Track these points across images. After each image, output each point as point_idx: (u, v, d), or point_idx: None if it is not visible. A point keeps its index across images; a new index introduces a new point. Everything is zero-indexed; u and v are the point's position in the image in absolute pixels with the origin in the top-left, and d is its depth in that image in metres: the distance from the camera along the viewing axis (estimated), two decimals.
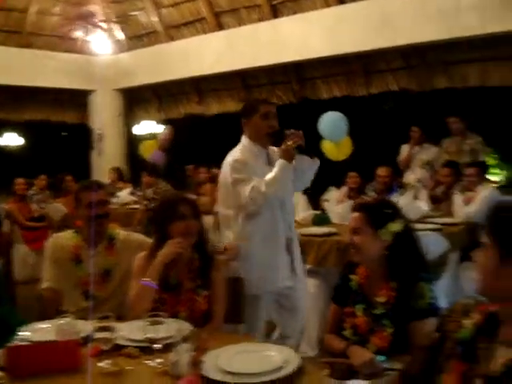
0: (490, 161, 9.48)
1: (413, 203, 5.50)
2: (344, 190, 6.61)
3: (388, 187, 6.34)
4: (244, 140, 3.60)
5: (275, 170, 3.33)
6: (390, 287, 2.32)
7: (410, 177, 7.31)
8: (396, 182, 6.72)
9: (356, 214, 2.43)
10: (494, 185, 6.17)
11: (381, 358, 2.20)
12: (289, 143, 3.32)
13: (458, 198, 5.53)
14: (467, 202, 5.36)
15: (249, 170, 3.41)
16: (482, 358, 1.50)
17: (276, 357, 2.03)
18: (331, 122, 6.96)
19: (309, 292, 4.25)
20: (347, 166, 6.99)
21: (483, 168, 6.03)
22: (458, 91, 8.15)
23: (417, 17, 7.08)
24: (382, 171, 6.25)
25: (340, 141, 7.16)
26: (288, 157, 3.33)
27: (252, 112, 3.54)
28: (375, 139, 10.05)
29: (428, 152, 7.35)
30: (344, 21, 7.81)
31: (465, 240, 5.00)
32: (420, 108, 9.31)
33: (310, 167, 3.58)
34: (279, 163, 3.33)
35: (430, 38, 7.20)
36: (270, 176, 3.33)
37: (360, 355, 2.22)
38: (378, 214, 2.41)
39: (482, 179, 5.43)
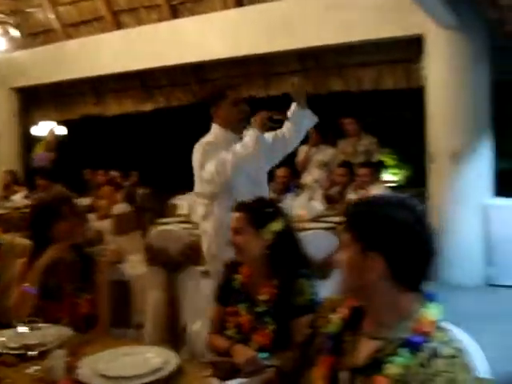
0: (389, 161, 9.86)
1: (308, 203, 5.63)
2: None
3: (286, 187, 6.47)
4: (214, 128, 3.45)
5: (245, 138, 3.17)
6: (272, 285, 2.35)
7: (307, 177, 7.48)
8: (293, 183, 6.86)
9: (237, 214, 2.45)
10: (386, 184, 6.40)
11: (263, 355, 2.23)
12: (262, 113, 3.21)
13: (351, 198, 5.71)
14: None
15: (219, 153, 3.22)
16: (348, 351, 1.55)
17: (155, 359, 2.02)
18: None
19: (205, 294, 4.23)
20: None
21: (376, 168, 6.26)
22: (353, 94, 8.42)
23: (313, 21, 7.25)
24: (280, 172, 6.35)
25: None
26: (260, 125, 3.18)
27: (220, 98, 3.39)
28: None
29: (324, 153, 7.54)
30: (243, 23, 7.88)
31: None
32: (316, 110, 9.51)
33: (307, 119, 3.51)
34: (249, 132, 3.18)
35: (325, 42, 7.40)
36: (238, 145, 3.17)
37: (242, 353, 2.24)
38: (259, 213, 2.44)
39: (374, 179, 5.62)
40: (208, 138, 3.40)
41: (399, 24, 6.73)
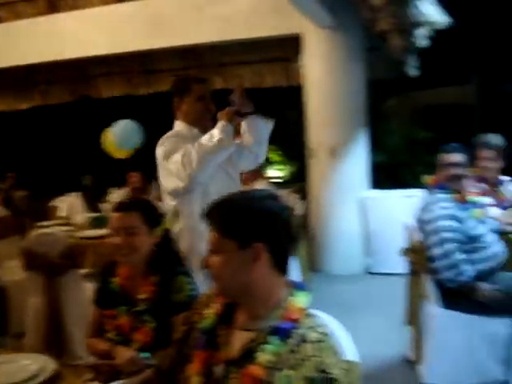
0: (274, 157, 10.03)
1: None
2: (126, 190, 6.57)
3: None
4: (177, 124, 3.14)
5: (213, 131, 2.86)
6: (152, 282, 2.34)
7: None
8: None
9: (127, 214, 2.39)
10: (269, 180, 6.54)
11: (144, 354, 2.22)
12: (230, 108, 2.92)
13: None
14: None
15: (181, 145, 2.92)
16: (222, 345, 1.58)
17: (31, 366, 1.97)
18: (125, 132, 6.95)
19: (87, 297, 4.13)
20: (129, 166, 6.96)
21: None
22: (231, 91, 8.49)
23: (192, 18, 7.24)
24: None
25: (129, 149, 7.18)
26: (227, 118, 2.87)
27: (185, 91, 3.07)
28: (155, 138, 10.07)
29: None
30: (122, 19, 7.71)
31: None
32: None
33: (263, 128, 3.16)
34: (218, 124, 2.86)
35: (204, 40, 7.42)
36: (205, 136, 2.86)
37: (123, 354, 2.22)
38: (152, 212, 2.44)
39: (257, 176, 5.70)
40: (168, 135, 3.09)
41: (278, 23, 6.87)
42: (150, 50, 7.91)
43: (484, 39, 9.42)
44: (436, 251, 3.44)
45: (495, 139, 4.24)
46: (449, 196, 3.58)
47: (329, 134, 6.60)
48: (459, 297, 3.44)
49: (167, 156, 2.91)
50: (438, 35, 5.70)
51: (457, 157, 3.61)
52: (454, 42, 8.60)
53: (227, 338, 1.58)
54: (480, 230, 3.57)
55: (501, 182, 4.33)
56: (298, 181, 7.72)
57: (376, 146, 7.22)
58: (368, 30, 6.00)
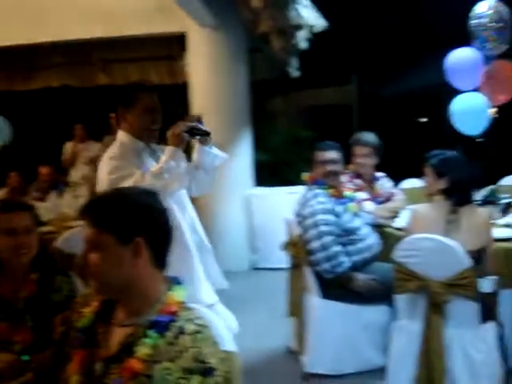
0: None
1: (75, 201, 5.53)
2: (4, 190, 6.32)
3: (51, 185, 6.27)
4: (121, 135, 2.86)
5: (162, 158, 2.68)
6: (32, 280, 2.30)
7: (74, 175, 7.30)
8: (60, 181, 6.66)
9: (20, 213, 2.33)
10: None
11: (25, 357, 2.16)
12: (178, 127, 2.73)
13: None
14: None
15: (130, 167, 2.68)
16: (102, 342, 1.57)
17: None
18: None
19: None
20: (7, 165, 6.68)
21: None
22: (119, 88, 8.36)
23: (77, 14, 7.04)
24: (43, 170, 6.14)
25: None
26: (176, 141, 2.69)
27: (131, 101, 2.81)
28: (37, 137, 9.72)
29: (91, 149, 7.43)
30: (2, 12, 7.37)
31: None
32: (82, 105, 9.33)
33: (214, 157, 2.97)
34: (167, 150, 2.69)
35: (89, 36, 7.23)
36: (156, 166, 2.68)
37: (2, 359, 2.15)
38: (35, 211, 2.42)
39: None
40: (114, 149, 2.81)
41: (163, 21, 6.84)
42: (31, 45, 7.59)
43: (364, 42, 9.85)
44: (314, 244, 3.58)
45: (370, 137, 4.45)
46: (326, 191, 3.74)
47: (213, 133, 6.61)
48: (338, 287, 3.61)
49: (114, 184, 2.59)
50: (321, 37, 5.93)
51: (332, 154, 3.78)
52: (336, 45, 8.96)
53: (106, 335, 1.58)
54: (355, 223, 3.77)
55: (376, 178, 4.55)
56: None
57: (260, 144, 7.37)
58: (250, 31, 6.11)
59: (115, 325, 1.58)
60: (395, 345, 3.17)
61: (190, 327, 1.50)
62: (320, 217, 3.60)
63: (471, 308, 2.91)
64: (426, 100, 11.42)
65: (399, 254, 3.00)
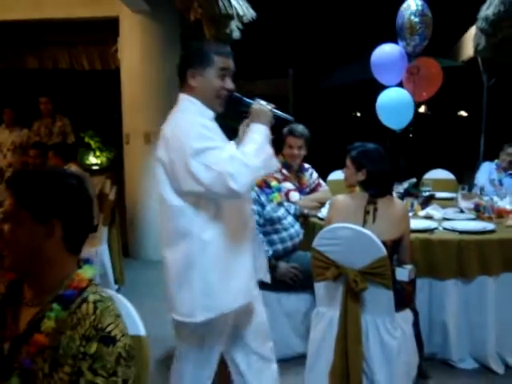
0: (92, 143, 9.77)
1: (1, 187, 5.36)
2: None
3: None
4: (191, 100, 2.40)
5: (254, 135, 2.31)
6: None
7: (2, 161, 7.10)
8: None
9: None
10: (82, 166, 6.38)
11: None
12: (263, 103, 2.40)
13: None
14: None
15: (218, 138, 2.33)
16: (10, 323, 1.56)
17: None
18: None
19: None
20: None
21: (67, 150, 6.07)
22: (48, 72, 8.18)
23: None
24: None
25: None
26: (266, 118, 2.37)
27: (205, 63, 2.37)
28: None
29: (18, 134, 7.23)
30: None
31: None
32: (10, 89, 9.05)
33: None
34: (258, 127, 2.34)
35: (18, 17, 7.02)
36: (251, 144, 2.28)
37: None
38: None
39: (63, 161, 5.52)
40: (190, 114, 2.36)
41: (94, 5, 6.72)
42: None
43: (300, 37, 9.96)
44: None
45: (301, 128, 4.50)
46: None
47: (144, 120, 6.58)
48: None
49: (198, 153, 2.19)
50: (259, 30, 5.95)
51: None
52: (273, 38, 9.02)
53: (15, 316, 1.57)
54: (279, 212, 3.82)
55: (303, 169, 4.61)
56: (117, 167, 7.62)
57: None
58: (183, 18, 6.06)
59: (25, 305, 1.58)
60: (315, 332, 3.22)
61: (92, 297, 1.52)
62: None
63: (387, 296, 2.98)
64: (359, 94, 11.65)
65: (318, 242, 3.05)
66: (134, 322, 1.72)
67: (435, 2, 5.72)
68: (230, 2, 4.98)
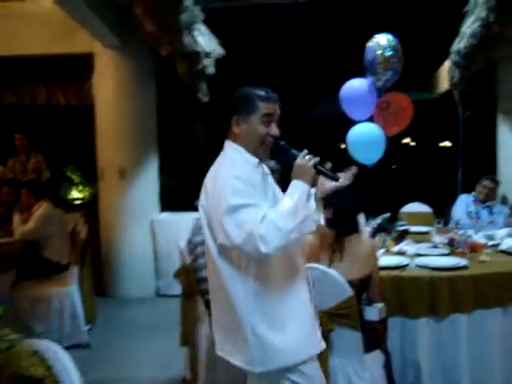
0: (75, 178, 9.70)
1: None
2: None
3: None
4: (235, 147, 2.35)
5: (292, 194, 2.22)
6: None
7: None
8: None
9: None
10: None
11: None
12: (306, 158, 2.27)
13: (16, 218, 5.45)
14: (24, 221, 5.33)
15: (255, 194, 2.23)
16: None
17: None
18: None
19: None
20: None
21: (41, 187, 5.97)
22: (25, 108, 8.15)
23: None
24: None
25: None
26: (308, 176, 2.25)
27: (251, 108, 2.31)
28: None
29: None
30: None
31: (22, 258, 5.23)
32: None
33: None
34: (297, 185, 2.24)
35: None
36: (286, 203, 2.18)
37: None
38: None
39: (36, 199, 5.45)
40: (232, 165, 2.28)
41: (69, 41, 6.72)
42: None
43: (272, 69, 9.97)
44: (205, 273, 3.51)
45: (273, 164, 4.43)
46: None
47: (118, 155, 6.53)
48: None
49: (231, 210, 2.14)
50: (228, 64, 5.95)
51: None
52: (247, 73, 9.03)
53: None
54: None
55: None
56: (92, 203, 7.53)
57: (162, 168, 7.23)
58: (155, 53, 6.06)
59: None
60: None
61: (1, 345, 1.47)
62: None
63: (355, 337, 2.92)
64: (332, 127, 11.70)
65: None
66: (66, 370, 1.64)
67: (410, 37, 5.77)
68: (195, 40, 4.98)
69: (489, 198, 5.43)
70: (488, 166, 6.82)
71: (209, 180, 2.31)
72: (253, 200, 2.16)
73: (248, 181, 2.21)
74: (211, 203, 2.23)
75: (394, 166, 13.49)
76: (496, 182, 5.64)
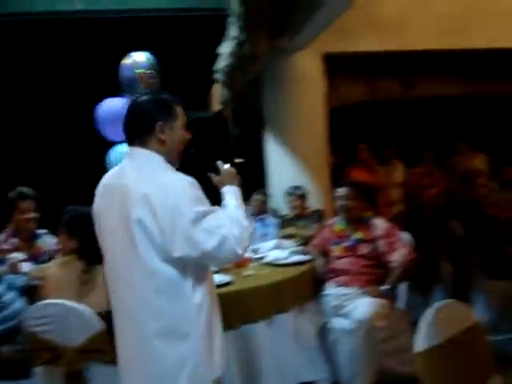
0: None
1: None
2: None
3: None
4: (153, 155, 2.15)
5: (233, 197, 2.26)
6: None
7: None
8: None
9: None
10: None
11: None
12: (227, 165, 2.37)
13: None
14: None
15: (206, 201, 2.12)
16: None
17: None
18: None
19: None
20: None
21: None
22: None
23: None
24: None
25: None
26: (236, 180, 2.36)
27: (174, 114, 2.20)
28: None
29: None
30: None
31: None
32: None
33: None
34: (232, 190, 2.30)
35: None
36: (235, 204, 2.23)
37: None
38: None
39: None
40: (177, 174, 2.13)
41: None
42: None
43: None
44: None
45: (28, 190, 4.13)
46: None
47: None
48: None
49: (198, 219, 2.01)
50: None
51: None
52: None
53: None
54: None
55: (36, 236, 4.21)
56: None
57: None
58: None
59: None
60: None
61: None
62: None
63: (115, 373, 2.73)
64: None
65: (29, 322, 2.69)
66: None
67: (179, 58, 5.76)
68: None
69: (261, 211, 5.62)
70: (258, 180, 7.03)
71: (147, 189, 2.03)
72: (210, 204, 2.14)
73: (199, 186, 2.15)
74: (164, 216, 1.99)
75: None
76: (266, 196, 5.86)
